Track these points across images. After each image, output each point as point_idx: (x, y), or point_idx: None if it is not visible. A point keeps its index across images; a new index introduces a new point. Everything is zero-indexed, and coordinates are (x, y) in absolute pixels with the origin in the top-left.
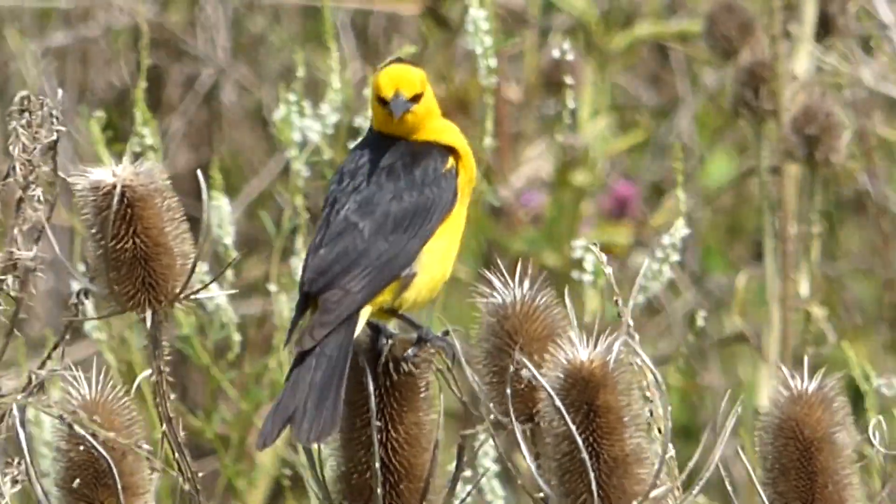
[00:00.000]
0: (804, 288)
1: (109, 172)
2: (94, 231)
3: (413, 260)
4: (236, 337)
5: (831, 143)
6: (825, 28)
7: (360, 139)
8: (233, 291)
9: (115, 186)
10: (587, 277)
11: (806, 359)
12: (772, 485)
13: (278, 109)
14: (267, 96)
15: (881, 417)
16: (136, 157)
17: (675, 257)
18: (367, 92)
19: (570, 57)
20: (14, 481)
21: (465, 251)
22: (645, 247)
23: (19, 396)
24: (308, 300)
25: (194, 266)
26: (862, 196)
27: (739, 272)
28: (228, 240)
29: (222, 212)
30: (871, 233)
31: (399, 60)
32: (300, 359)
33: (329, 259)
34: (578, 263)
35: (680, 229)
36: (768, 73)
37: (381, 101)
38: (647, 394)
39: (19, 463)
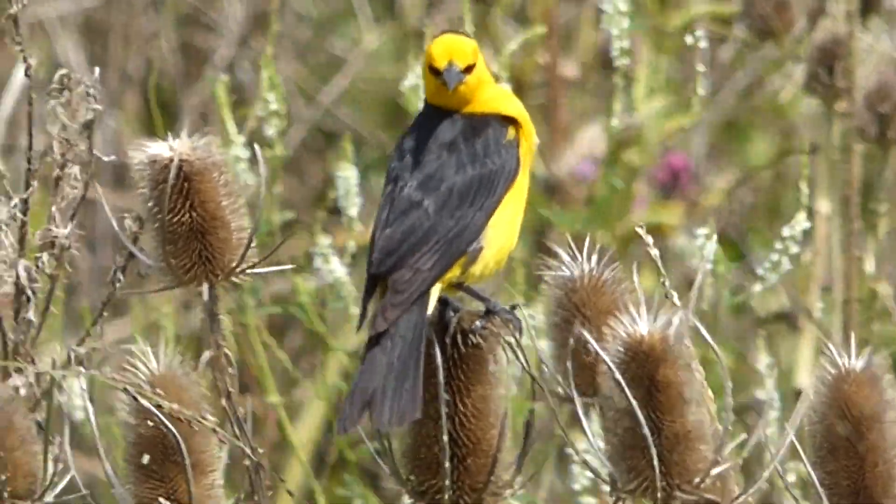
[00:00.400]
0: (870, 265)
1: (167, 146)
2: (151, 205)
3: (479, 234)
4: (354, 310)
5: None
6: (867, 5)
7: (417, 114)
8: (289, 266)
9: (171, 160)
10: (706, 265)
11: (853, 336)
12: (821, 464)
13: (407, 78)
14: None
15: None
16: (261, 121)
17: (794, 249)
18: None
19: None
20: (55, 461)
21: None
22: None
23: (76, 370)
24: (376, 281)
25: (251, 240)
26: None
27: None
28: (353, 210)
29: (349, 182)
30: None
31: (451, 32)
32: (374, 341)
33: (396, 238)
34: (666, 228)
35: (801, 222)
36: (842, 50)
37: (434, 72)
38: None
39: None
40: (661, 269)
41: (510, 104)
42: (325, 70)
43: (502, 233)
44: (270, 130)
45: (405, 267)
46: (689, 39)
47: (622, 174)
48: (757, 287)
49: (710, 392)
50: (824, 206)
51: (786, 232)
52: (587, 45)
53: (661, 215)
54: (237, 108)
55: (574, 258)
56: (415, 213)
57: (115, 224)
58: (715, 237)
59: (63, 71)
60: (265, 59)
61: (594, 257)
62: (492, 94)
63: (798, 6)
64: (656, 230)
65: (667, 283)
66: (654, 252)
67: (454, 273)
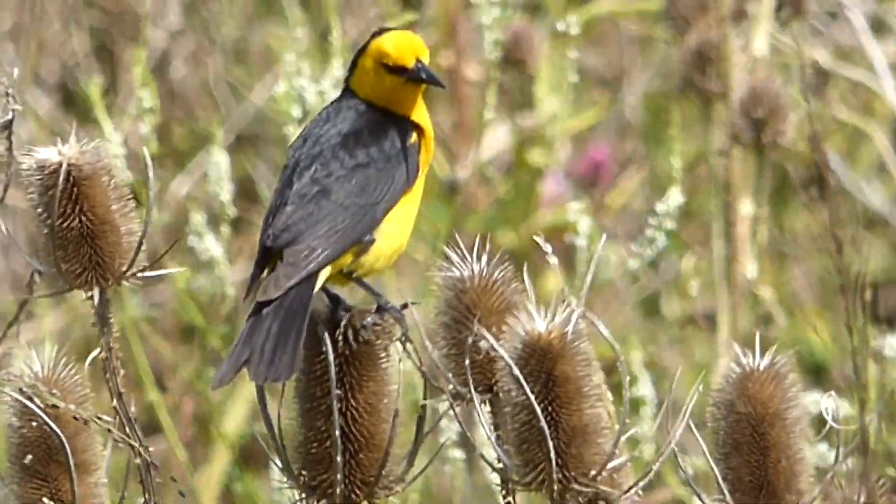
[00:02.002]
0: (751, 270)
1: (55, 151)
2: (40, 210)
3: (375, 227)
4: (230, 290)
5: (778, 126)
6: (784, 7)
7: (328, 103)
8: (181, 269)
9: (61, 165)
10: (581, 241)
11: (757, 337)
12: (724, 460)
13: (278, 84)
14: (216, 68)
15: (833, 393)
16: (137, 118)
17: (669, 225)
18: (352, 59)
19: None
20: None
21: (423, 230)
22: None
23: None
24: (268, 255)
25: (140, 243)
26: (812, 177)
27: (688, 254)
28: (225, 196)
29: (220, 168)
30: (819, 214)
31: (385, 30)
32: (258, 308)
33: (295, 217)
34: (573, 227)
35: (674, 197)
36: (716, 54)
37: (396, 70)
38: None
39: None
40: (559, 277)
41: (419, 110)
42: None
43: (396, 230)
44: (145, 128)
45: (301, 244)
46: (560, 26)
47: (526, 174)
48: (633, 263)
49: (604, 389)
50: (745, 206)
51: (660, 208)
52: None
53: (565, 215)
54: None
55: (464, 259)
56: (317, 196)
57: (3, 228)
58: (587, 213)
59: None
60: (137, 57)
61: (484, 258)
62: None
63: (718, 7)
64: (564, 229)
65: (565, 290)
66: (553, 260)
67: (346, 260)
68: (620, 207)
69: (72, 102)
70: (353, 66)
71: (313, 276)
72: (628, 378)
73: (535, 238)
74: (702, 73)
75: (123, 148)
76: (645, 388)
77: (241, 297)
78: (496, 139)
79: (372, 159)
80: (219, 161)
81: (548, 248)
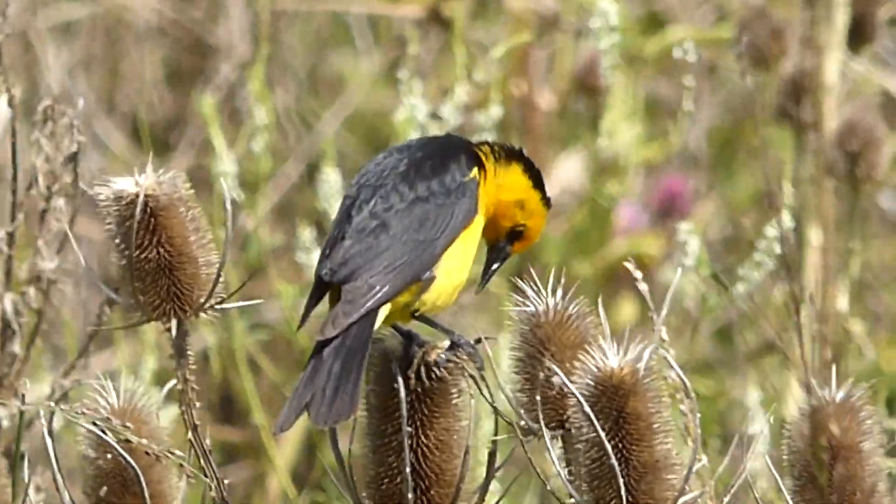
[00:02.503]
0: (843, 302)
1: (132, 182)
2: (117, 241)
3: (434, 263)
4: None
5: (872, 158)
6: (856, 36)
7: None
8: (258, 301)
9: (137, 196)
10: (689, 262)
11: (834, 368)
12: (800, 492)
13: (399, 110)
14: (286, 96)
15: None
16: (250, 137)
17: (777, 249)
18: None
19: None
20: (38, 488)
21: None
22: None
23: (45, 404)
24: (323, 289)
25: (219, 275)
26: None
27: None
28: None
29: (332, 186)
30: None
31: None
32: (319, 348)
33: (353, 251)
34: (682, 247)
35: (786, 220)
36: (811, 83)
37: (515, 234)
38: (679, 403)
39: (43, 471)
40: (649, 304)
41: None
42: (323, 96)
43: (455, 266)
44: (258, 145)
45: (359, 280)
46: (677, 53)
47: (601, 205)
48: (739, 287)
49: (692, 424)
50: (815, 235)
51: (769, 232)
52: (563, 73)
53: (641, 246)
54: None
55: (538, 293)
56: (376, 231)
57: (82, 260)
58: (697, 238)
59: (47, 101)
60: (254, 72)
61: (559, 292)
62: None
63: (791, 34)
64: (638, 261)
65: (655, 318)
66: (643, 287)
67: (406, 297)
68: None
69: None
70: (496, 155)
71: (373, 313)
72: (698, 415)
73: (625, 264)
74: (795, 103)
75: (235, 167)
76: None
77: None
78: (568, 169)
79: (432, 193)
80: (329, 178)
81: (638, 274)
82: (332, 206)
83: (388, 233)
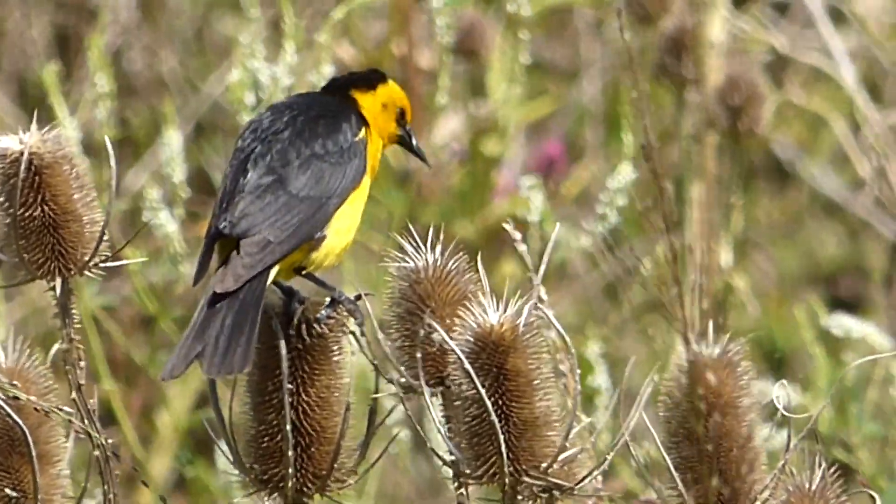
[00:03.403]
0: (726, 257)
1: (16, 140)
2: (1, 199)
3: (327, 222)
4: (183, 269)
5: (755, 113)
6: None
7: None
8: (143, 259)
9: (22, 154)
10: (534, 218)
11: (712, 323)
12: (676, 449)
13: (233, 71)
14: (171, 61)
15: (785, 381)
16: (93, 104)
17: (620, 201)
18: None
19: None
20: None
21: (376, 220)
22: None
23: None
24: (216, 241)
25: (103, 232)
26: (774, 163)
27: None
28: (178, 177)
29: (172, 148)
30: (783, 200)
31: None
32: (211, 301)
33: (253, 207)
34: (525, 203)
35: (626, 173)
36: (691, 40)
37: (402, 121)
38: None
39: None
40: (527, 263)
41: (367, 104)
42: (210, 59)
43: (346, 226)
44: (101, 112)
45: (258, 235)
46: (511, 8)
47: (481, 164)
48: (586, 240)
49: (571, 382)
50: (696, 191)
51: (612, 183)
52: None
53: (520, 205)
54: (125, 96)
55: (418, 249)
56: (273, 185)
57: None
58: (540, 190)
59: None
60: (93, 42)
61: (438, 248)
62: None
63: None
64: (516, 222)
65: (533, 277)
66: (522, 247)
67: (297, 256)
68: (576, 197)
69: (28, 94)
70: (366, 86)
71: (268, 269)
72: (579, 370)
73: (505, 225)
74: (676, 59)
75: (79, 133)
76: (601, 378)
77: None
78: (449, 128)
79: (327, 151)
80: (171, 141)
81: (517, 234)
82: (175, 171)
83: (285, 188)
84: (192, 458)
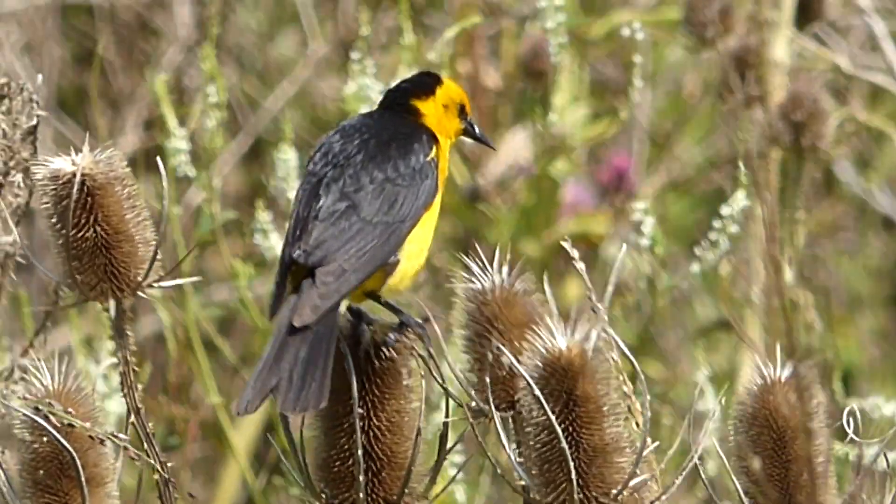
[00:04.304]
0: (789, 275)
1: (69, 161)
2: (54, 221)
3: (400, 246)
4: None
5: (817, 129)
6: (805, 14)
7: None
8: (197, 279)
9: (74, 175)
10: (644, 241)
11: (778, 347)
12: (746, 473)
13: (348, 83)
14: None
15: (856, 406)
16: (202, 113)
17: (733, 228)
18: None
19: (639, 36)
20: None
21: (442, 238)
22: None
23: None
24: (290, 269)
25: (156, 253)
26: (830, 183)
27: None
28: (293, 193)
29: (289, 165)
30: (840, 219)
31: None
32: (286, 332)
33: (327, 234)
34: (637, 227)
35: (741, 199)
36: (755, 58)
37: (462, 114)
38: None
39: None
40: (587, 283)
41: (433, 120)
42: (270, 78)
43: (418, 248)
44: (211, 122)
45: (332, 264)
46: (625, 31)
47: (547, 183)
48: (695, 267)
49: (637, 404)
50: (761, 208)
51: (725, 210)
52: (509, 55)
53: (588, 224)
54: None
55: (485, 270)
56: (347, 212)
57: (16, 237)
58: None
59: (3, 78)
60: (205, 51)
61: (505, 269)
62: None
63: (739, 13)
64: (584, 239)
65: (593, 297)
66: (580, 266)
67: (371, 283)
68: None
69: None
70: (425, 93)
71: (343, 298)
72: (647, 397)
73: (562, 243)
74: (740, 77)
75: (188, 143)
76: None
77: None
78: (515, 145)
79: (399, 174)
80: (287, 157)
81: (575, 252)
82: (290, 186)
83: (359, 215)
84: (262, 480)
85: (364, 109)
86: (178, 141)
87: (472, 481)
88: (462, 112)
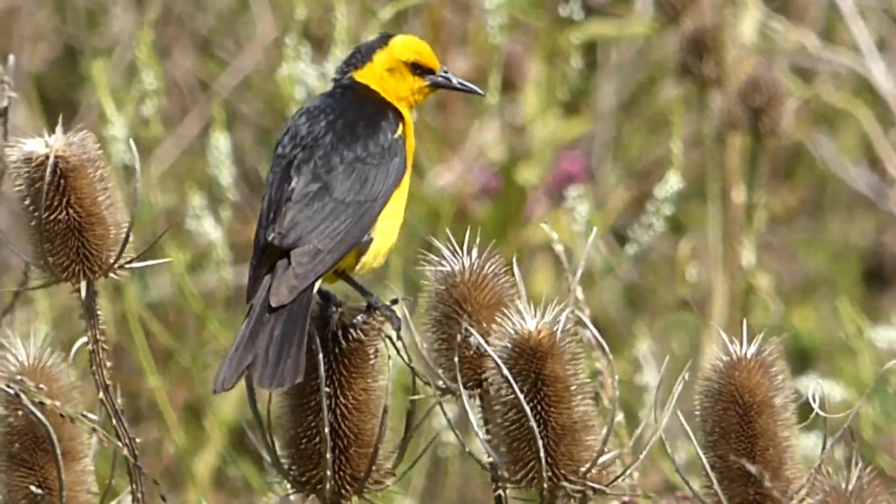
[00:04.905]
0: (749, 258)
1: (42, 143)
2: (27, 202)
3: (373, 224)
4: (226, 275)
5: (776, 114)
6: None
7: (317, 95)
8: (167, 260)
9: (47, 157)
10: (579, 227)
11: (745, 324)
12: (713, 448)
13: (282, 66)
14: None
15: (820, 381)
16: (140, 101)
17: (666, 210)
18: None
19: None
20: None
21: (414, 225)
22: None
23: None
24: (265, 251)
25: (128, 235)
26: (799, 162)
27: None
28: (226, 180)
29: (221, 151)
30: (808, 198)
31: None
32: (260, 310)
33: (301, 216)
34: (570, 212)
35: (673, 182)
36: (712, 40)
37: (421, 71)
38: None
39: None
40: (564, 264)
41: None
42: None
43: (390, 226)
44: (148, 110)
45: (308, 245)
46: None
47: (515, 190)
48: (630, 249)
49: (608, 382)
50: (716, 191)
51: (658, 192)
52: (479, 47)
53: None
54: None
55: (454, 253)
56: (319, 193)
57: None
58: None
59: None
60: (141, 39)
61: (474, 252)
62: None
63: None
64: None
65: (570, 279)
66: (559, 248)
67: (344, 262)
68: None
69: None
70: (362, 61)
71: (318, 278)
72: (616, 377)
73: (542, 225)
74: (698, 59)
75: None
76: (649, 376)
77: (245, 295)
78: (480, 146)
79: (369, 153)
80: (220, 144)
81: (554, 235)
82: (222, 173)
83: (331, 195)
84: (236, 456)
85: (299, 92)
86: (117, 128)
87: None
88: (418, 68)
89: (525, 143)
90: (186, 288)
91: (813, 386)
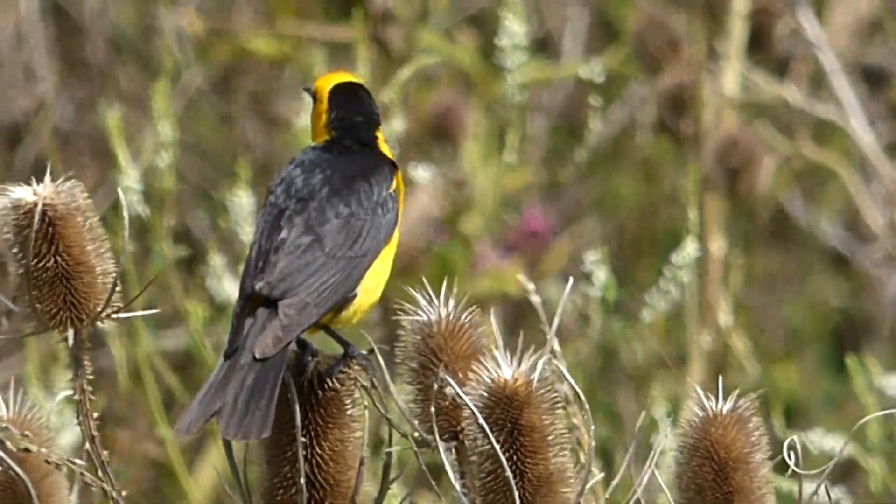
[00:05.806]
0: (724, 318)
1: (30, 191)
2: (15, 250)
3: (360, 281)
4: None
5: (752, 175)
6: (755, 46)
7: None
8: (155, 311)
9: (36, 205)
10: (595, 293)
11: (721, 380)
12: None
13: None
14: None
15: (796, 438)
16: (155, 151)
17: (685, 277)
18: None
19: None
20: None
21: None
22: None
23: None
24: (249, 302)
25: (115, 284)
26: (779, 220)
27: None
28: (247, 236)
29: (243, 208)
30: (787, 257)
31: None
32: (234, 359)
33: (292, 268)
34: (587, 277)
35: (692, 249)
36: (689, 97)
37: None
38: (572, 416)
39: None
40: (541, 315)
41: (385, 148)
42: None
43: (374, 284)
44: (162, 162)
45: (296, 297)
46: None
47: (461, 241)
48: (645, 314)
49: (585, 436)
50: (716, 245)
51: (676, 259)
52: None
53: (501, 282)
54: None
55: (431, 303)
56: (312, 246)
57: None
58: (604, 266)
59: None
60: (158, 89)
61: (451, 302)
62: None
63: (692, 49)
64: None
65: (547, 330)
66: (536, 299)
67: (328, 315)
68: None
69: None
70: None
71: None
72: (593, 428)
73: (519, 276)
74: (676, 115)
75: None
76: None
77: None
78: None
79: (363, 208)
80: (242, 201)
81: (531, 286)
82: (244, 230)
83: (323, 249)
84: None
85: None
86: (130, 179)
87: None
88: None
89: (466, 196)
90: (200, 341)
91: (789, 442)
